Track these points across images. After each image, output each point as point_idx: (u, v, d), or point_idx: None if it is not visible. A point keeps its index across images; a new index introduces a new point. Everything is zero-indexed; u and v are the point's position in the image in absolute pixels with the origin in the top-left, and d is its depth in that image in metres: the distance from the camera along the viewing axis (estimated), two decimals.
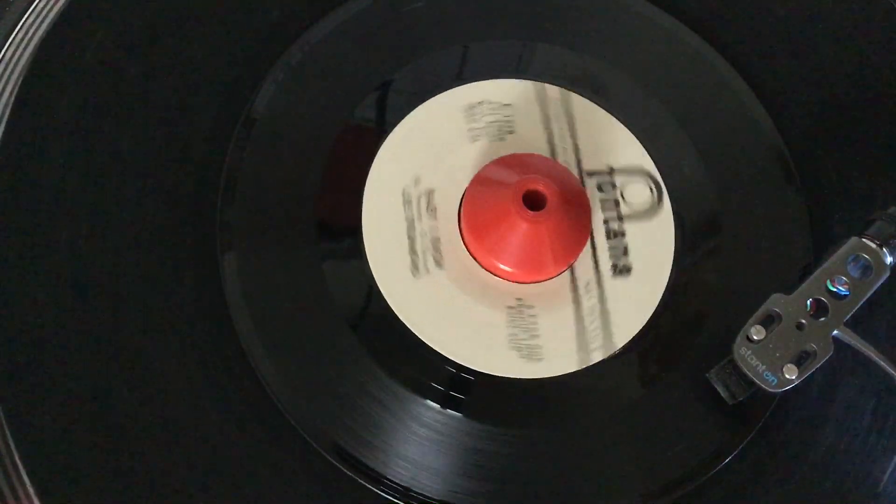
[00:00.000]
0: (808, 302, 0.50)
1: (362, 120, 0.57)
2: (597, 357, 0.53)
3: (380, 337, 0.52)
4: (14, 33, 0.56)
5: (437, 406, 0.51)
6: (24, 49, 0.55)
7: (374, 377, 0.51)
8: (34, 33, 0.56)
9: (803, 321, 0.50)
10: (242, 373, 0.50)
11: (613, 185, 0.57)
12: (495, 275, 0.54)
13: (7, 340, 0.48)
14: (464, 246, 0.54)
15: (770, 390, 0.49)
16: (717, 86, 0.61)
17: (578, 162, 0.57)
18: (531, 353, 0.52)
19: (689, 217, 0.57)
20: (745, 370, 0.50)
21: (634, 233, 0.56)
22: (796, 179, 0.59)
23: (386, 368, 0.51)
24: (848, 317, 0.50)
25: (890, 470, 0.53)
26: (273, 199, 0.54)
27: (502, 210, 0.52)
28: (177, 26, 0.56)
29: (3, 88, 0.54)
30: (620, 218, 0.56)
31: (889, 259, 0.51)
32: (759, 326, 0.50)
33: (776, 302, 0.50)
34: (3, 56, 0.55)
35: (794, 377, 0.49)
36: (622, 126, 0.58)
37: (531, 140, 0.57)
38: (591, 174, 0.57)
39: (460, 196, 0.55)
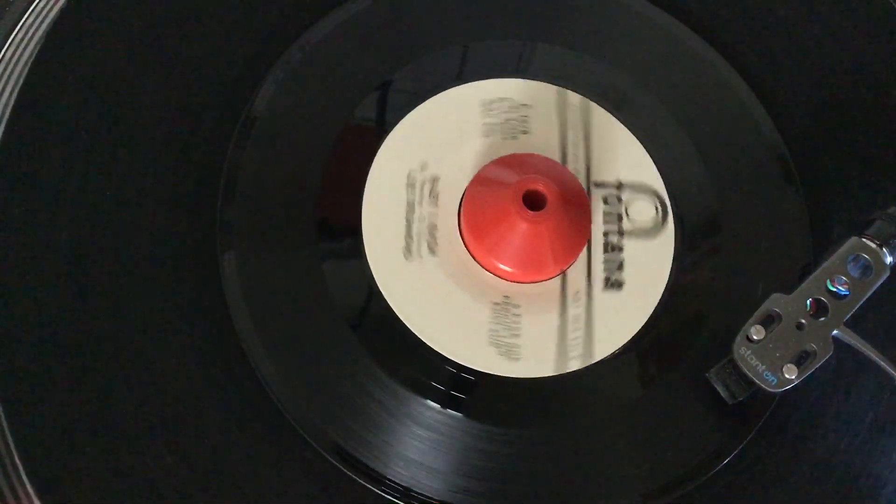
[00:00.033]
0: (808, 302, 0.50)
1: (362, 120, 0.57)
2: (574, 366, 0.53)
3: (380, 337, 0.52)
4: (14, 33, 0.56)
5: (437, 406, 0.51)
6: (24, 49, 0.55)
7: (374, 377, 0.51)
8: (34, 33, 0.56)
9: (803, 321, 0.50)
10: (242, 373, 0.50)
11: (619, 200, 0.56)
12: (491, 272, 0.54)
13: (7, 340, 0.48)
14: (460, 238, 0.54)
15: (770, 390, 0.49)
16: (717, 86, 0.61)
17: (588, 171, 0.57)
18: (509, 352, 0.52)
19: (690, 217, 0.57)
20: (745, 370, 0.50)
21: (633, 249, 0.56)
22: (796, 179, 0.59)
23: (386, 368, 0.51)
24: (848, 317, 0.50)
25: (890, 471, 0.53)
26: (273, 198, 0.54)
27: (502, 210, 0.52)
28: (177, 26, 0.56)
29: (3, 88, 0.54)
30: (621, 233, 0.56)
31: (889, 259, 0.51)
32: (758, 326, 0.50)
33: (776, 302, 0.50)
34: (3, 56, 0.55)
35: (793, 377, 0.49)
36: (638, 143, 0.58)
37: (544, 143, 0.57)
38: (599, 185, 0.57)
39: (463, 188, 0.55)
